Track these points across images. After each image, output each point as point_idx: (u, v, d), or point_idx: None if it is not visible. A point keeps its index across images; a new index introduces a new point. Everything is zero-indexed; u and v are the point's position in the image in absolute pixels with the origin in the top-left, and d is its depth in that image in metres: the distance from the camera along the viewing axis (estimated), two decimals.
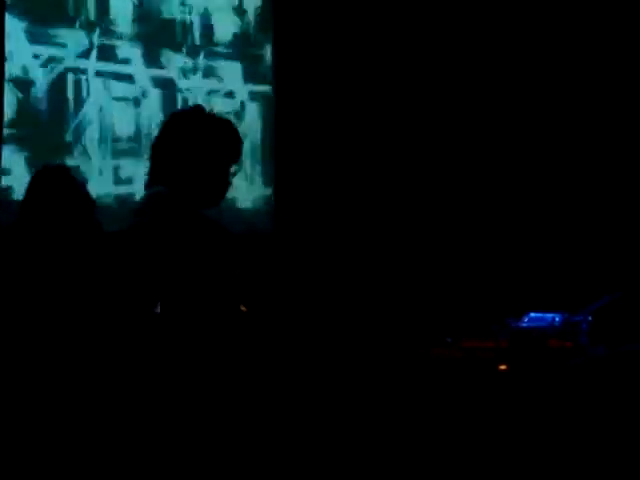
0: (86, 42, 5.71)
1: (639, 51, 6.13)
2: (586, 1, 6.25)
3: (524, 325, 4.38)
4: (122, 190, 5.75)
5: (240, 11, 6.39)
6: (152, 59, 5.97)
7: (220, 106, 5.98)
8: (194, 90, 6.13)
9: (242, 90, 6.34)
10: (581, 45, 6.23)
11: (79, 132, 5.69)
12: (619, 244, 5.97)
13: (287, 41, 6.43)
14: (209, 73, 6.21)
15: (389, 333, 5.79)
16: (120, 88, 5.82)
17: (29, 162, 5.43)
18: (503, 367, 4.19)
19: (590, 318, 4.29)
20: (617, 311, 4.36)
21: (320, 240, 6.33)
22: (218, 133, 2.91)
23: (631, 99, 6.13)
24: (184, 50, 6.12)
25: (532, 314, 4.43)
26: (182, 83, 6.09)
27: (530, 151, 6.39)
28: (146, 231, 2.75)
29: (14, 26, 5.46)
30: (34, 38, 5.54)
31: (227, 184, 2.95)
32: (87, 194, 3.35)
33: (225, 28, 6.30)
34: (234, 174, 2.99)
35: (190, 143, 2.87)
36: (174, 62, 6.07)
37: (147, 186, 2.92)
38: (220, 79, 6.26)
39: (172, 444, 2.64)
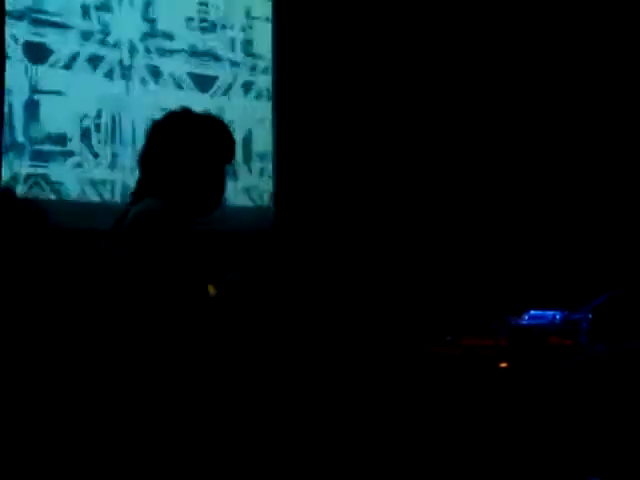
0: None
1: (639, 51, 6.12)
2: (586, 1, 6.24)
3: (524, 323, 4.38)
4: None
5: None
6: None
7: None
8: None
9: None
10: (581, 45, 6.23)
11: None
12: (618, 242, 5.96)
13: (288, 39, 6.43)
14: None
15: (389, 331, 5.78)
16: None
17: None
18: (503, 365, 4.18)
19: (590, 316, 4.28)
20: (617, 309, 4.36)
21: (320, 238, 6.32)
22: (210, 133, 2.76)
23: (630, 99, 6.12)
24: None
25: (532, 312, 4.43)
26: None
27: (529, 149, 6.39)
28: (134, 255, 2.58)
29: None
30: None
31: (223, 188, 2.78)
32: (34, 209, 3.26)
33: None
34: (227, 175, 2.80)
35: (181, 146, 2.71)
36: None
37: (135, 196, 2.73)
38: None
39: (161, 443, 2.61)
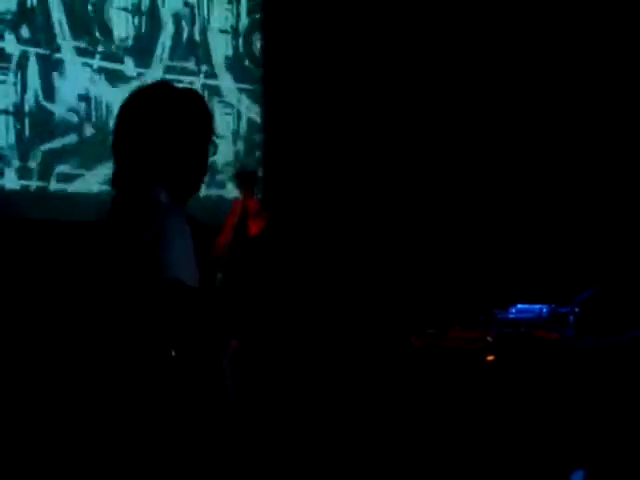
0: None
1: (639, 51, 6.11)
2: (586, 1, 6.23)
3: (511, 316, 4.38)
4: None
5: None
6: None
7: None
8: None
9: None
10: (581, 45, 6.21)
11: None
12: (605, 236, 5.98)
13: (277, 39, 6.41)
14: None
15: (375, 324, 5.79)
16: None
17: None
18: (490, 358, 4.19)
19: (577, 309, 4.30)
20: (604, 302, 4.38)
21: (310, 232, 6.32)
22: (187, 107, 2.58)
23: (626, 97, 6.12)
24: None
25: (519, 305, 4.44)
26: None
27: (518, 144, 6.39)
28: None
29: None
30: None
31: (205, 166, 2.62)
32: None
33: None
34: (213, 153, 2.65)
35: (159, 121, 2.53)
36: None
37: (115, 182, 2.58)
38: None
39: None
